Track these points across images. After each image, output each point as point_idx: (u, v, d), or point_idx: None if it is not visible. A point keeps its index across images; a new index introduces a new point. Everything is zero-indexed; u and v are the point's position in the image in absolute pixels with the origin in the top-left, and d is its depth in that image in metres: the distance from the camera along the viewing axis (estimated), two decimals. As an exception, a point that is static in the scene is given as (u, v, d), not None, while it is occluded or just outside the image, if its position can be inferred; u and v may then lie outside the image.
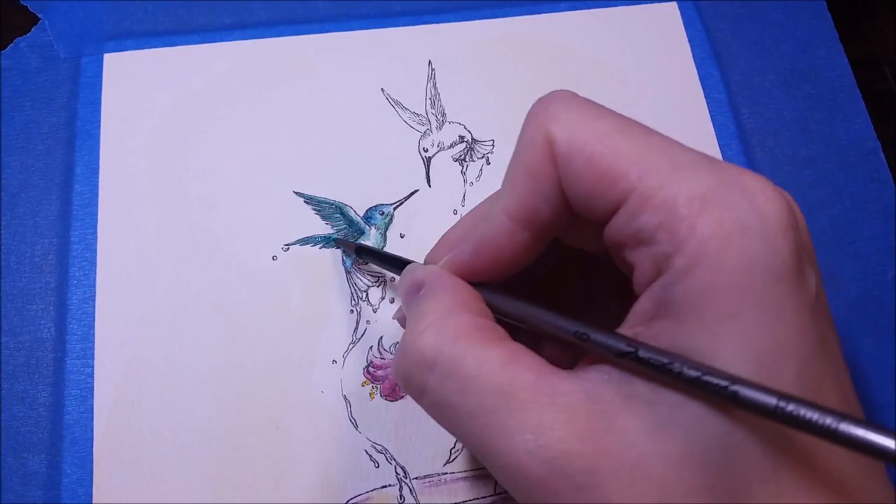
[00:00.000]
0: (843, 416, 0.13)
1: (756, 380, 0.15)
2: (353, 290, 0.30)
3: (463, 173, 0.32)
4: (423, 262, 0.23)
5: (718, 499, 0.15)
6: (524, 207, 0.19)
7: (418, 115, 0.33)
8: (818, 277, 0.17)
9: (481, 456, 0.17)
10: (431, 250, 0.23)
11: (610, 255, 0.19)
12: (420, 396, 0.18)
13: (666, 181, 0.16)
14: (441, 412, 0.18)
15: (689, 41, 0.35)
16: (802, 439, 0.15)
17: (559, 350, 0.22)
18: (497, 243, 0.19)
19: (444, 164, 0.32)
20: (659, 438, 0.15)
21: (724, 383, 0.14)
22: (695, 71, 0.34)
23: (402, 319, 0.22)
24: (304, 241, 0.30)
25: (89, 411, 0.27)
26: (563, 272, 0.24)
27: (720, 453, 0.15)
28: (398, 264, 0.24)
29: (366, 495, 0.27)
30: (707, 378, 0.14)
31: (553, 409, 0.16)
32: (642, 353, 0.16)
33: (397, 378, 0.19)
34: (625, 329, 0.17)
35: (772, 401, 0.14)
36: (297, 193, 0.31)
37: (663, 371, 0.15)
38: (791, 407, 0.14)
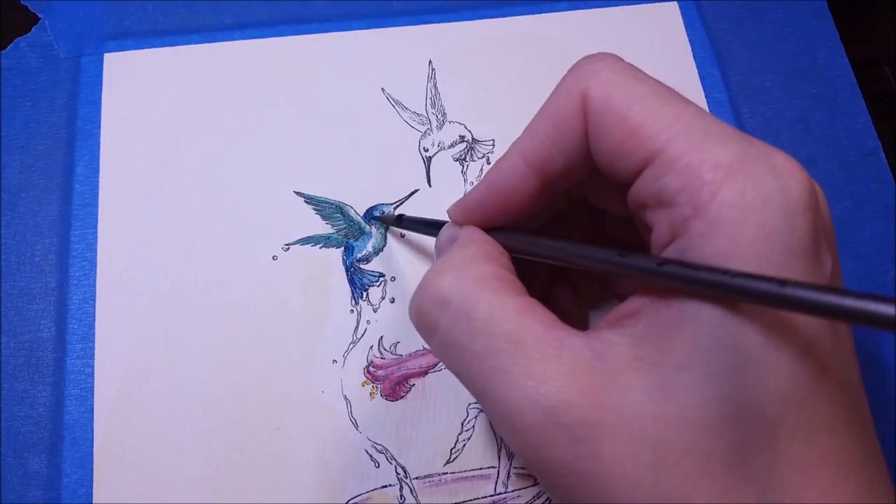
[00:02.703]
0: (847, 292, 0.13)
1: (760, 354, 0.15)
2: (353, 290, 0.30)
3: (463, 173, 0.32)
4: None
5: (712, 463, 0.15)
6: (540, 153, 0.19)
7: (419, 114, 0.33)
8: (835, 263, 0.17)
9: (482, 399, 0.18)
10: (451, 206, 0.23)
11: (632, 219, 0.19)
12: (431, 335, 0.19)
13: (694, 146, 0.16)
14: (448, 352, 0.18)
15: (690, 41, 0.35)
16: (803, 416, 0.15)
17: (574, 312, 0.22)
18: (508, 183, 0.20)
19: (444, 164, 0.32)
20: (659, 399, 0.15)
21: (771, 286, 0.14)
22: (695, 71, 0.34)
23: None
24: (304, 241, 0.30)
25: (89, 411, 0.27)
26: (579, 234, 0.24)
27: (717, 419, 0.15)
28: (437, 226, 0.25)
29: (366, 495, 0.27)
30: (751, 283, 0.14)
31: (557, 361, 0.16)
32: (678, 266, 0.15)
33: (411, 315, 0.20)
34: (639, 297, 0.17)
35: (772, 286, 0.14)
36: (297, 193, 0.31)
37: (706, 280, 0.15)
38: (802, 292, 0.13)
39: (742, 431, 0.15)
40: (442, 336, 0.18)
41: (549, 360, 0.16)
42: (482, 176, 0.22)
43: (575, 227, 0.25)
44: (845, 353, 0.17)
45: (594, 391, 0.16)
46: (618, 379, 0.16)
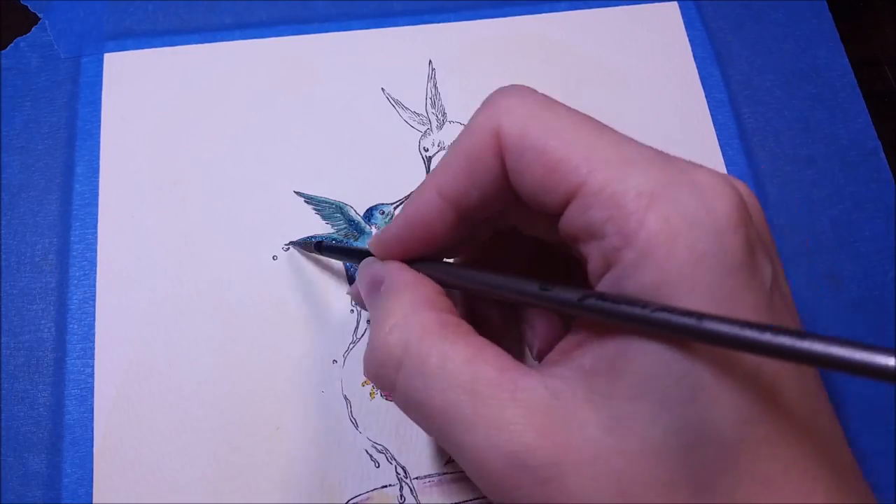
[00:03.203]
0: (808, 335, 0.13)
1: (709, 377, 0.15)
2: (353, 290, 0.30)
3: (463, 173, 0.32)
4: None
5: (678, 492, 0.15)
6: (454, 188, 0.19)
7: (419, 114, 0.33)
8: (776, 270, 0.17)
9: (449, 450, 0.18)
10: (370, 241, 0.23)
11: (565, 246, 0.19)
12: (390, 392, 0.19)
13: (615, 176, 0.16)
14: (410, 408, 0.19)
15: (690, 41, 0.35)
16: (762, 432, 0.15)
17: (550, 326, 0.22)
18: (425, 217, 0.20)
19: (444, 164, 0.32)
20: (617, 433, 0.15)
21: (690, 321, 0.14)
22: (695, 71, 0.34)
23: (356, 296, 0.23)
24: (304, 241, 0.30)
25: (89, 411, 0.27)
26: (517, 262, 0.24)
27: (677, 447, 0.15)
28: (357, 256, 0.24)
29: (366, 495, 0.27)
30: (671, 318, 0.14)
31: (513, 404, 0.16)
32: (599, 300, 0.16)
33: (368, 376, 0.20)
34: (583, 326, 0.17)
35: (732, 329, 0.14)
36: (297, 193, 0.31)
37: (627, 314, 0.15)
38: (748, 332, 0.13)
39: (703, 456, 0.15)
40: (401, 395, 0.18)
41: (505, 404, 0.16)
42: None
43: (512, 256, 0.25)
44: None
45: (553, 431, 0.16)
46: (575, 415, 0.16)
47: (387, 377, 0.19)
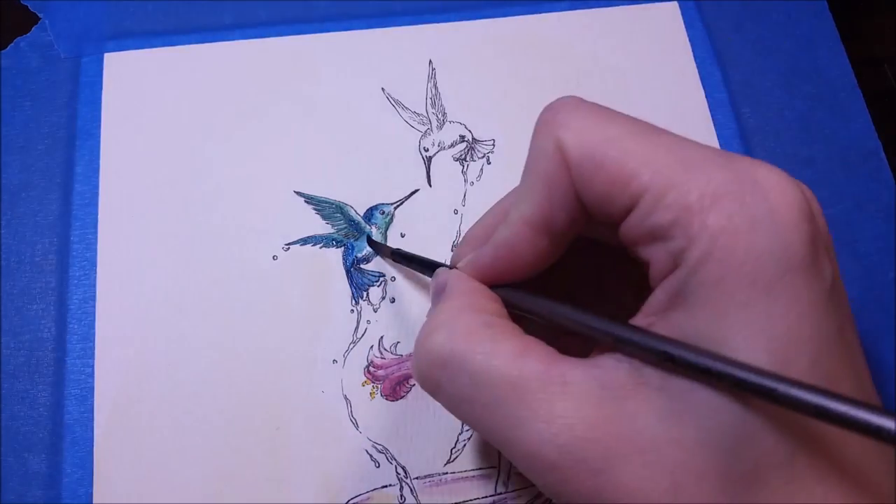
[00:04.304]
0: (855, 402, 0.13)
1: (768, 368, 0.15)
2: (353, 290, 0.30)
3: (463, 173, 0.32)
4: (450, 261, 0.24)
5: (731, 483, 0.15)
6: (542, 216, 0.19)
7: (419, 114, 0.33)
8: (835, 266, 0.17)
9: (499, 445, 0.18)
10: (457, 247, 0.23)
11: (624, 247, 0.19)
12: (436, 393, 0.19)
13: (677, 180, 0.16)
14: (457, 407, 0.19)
15: (690, 41, 0.35)
16: (818, 427, 0.15)
17: (573, 339, 0.22)
18: (516, 250, 0.20)
19: (444, 164, 0.32)
20: (670, 423, 0.16)
21: (767, 383, 0.14)
22: (695, 71, 0.34)
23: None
24: (304, 241, 0.30)
25: (89, 411, 0.27)
26: (577, 262, 0.24)
27: (733, 439, 0.15)
28: (430, 267, 0.25)
29: (366, 495, 0.27)
30: (748, 377, 0.14)
31: (563, 398, 0.17)
32: (677, 355, 0.16)
33: (415, 376, 0.20)
34: (639, 319, 0.18)
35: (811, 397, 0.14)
36: (297, 193, 0.31)
37: (703, 374, 0.15)
38: (815, 398, 0.14)
39: (758, 448, 0.15)
40: (447, 394, 0.19)
41: (554, 398, 0.17)
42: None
43: (574, 260, 0.25)
44: (854, 353, 0.17)
45: (604, 422, 0.16)
46: (625, 406, 0.16)
47: (431, 377, 0.19)
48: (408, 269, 0.30)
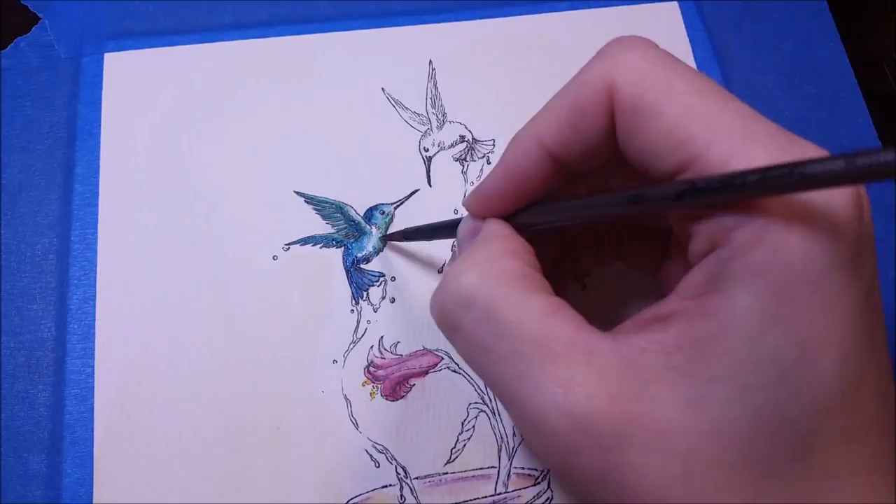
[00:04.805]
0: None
1: (797, 367, 0.14)
2: (353, 290, 0.30)
3: (464, 173, 0.32)
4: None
5: (742, 475, 0.15)
6: (556, 138, 0.18)
7: (419, 114, 0.33)
8: (875, 271, 0.16)
9: (506, 401, 0.17)
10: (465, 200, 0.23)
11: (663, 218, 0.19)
12: (453, 334, 0.18)
13: (736, 152, 0.15)
14: (472, 353, 0.18)
15: (690, 41, 0.35)
16: (837, 426, 0.15)
17: (563, 287, 0.22)
18: (523, 166, 0.19)
19: (444, 164, 0.32)
20: (690, 411, 0.15)
21: (786, 170, 0.13)
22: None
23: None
24: (304, 241, 0.30)
25: (89, 411, 0.27)
26: (605, 230, 0.24)
27: (750, 432, 0.15)
28: (452, 226, 0.24)
29: (366, 495, 0.27)
30: (770, 173, 0.14)
31: (586, 367, 0.16)
32: (699, 184, 0.15)
33: (432, 313, 0.19)
34: (673, 301, 0.17)
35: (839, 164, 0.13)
36: (297, 193, 0.31)
37: (727, 189, 0.14)
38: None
39: (775, 443, 0.15)
40: (465, 336, 0.18)
41: (577, 366, 0.16)
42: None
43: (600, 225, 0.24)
44: (881, 358, 0.16)
45: (623, 400, 0.15)
46: (647, 388, 0.16)
47: (453, 316, 0.18)
48: (408, 268, 0.30)
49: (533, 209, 0.20)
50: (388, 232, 0.30)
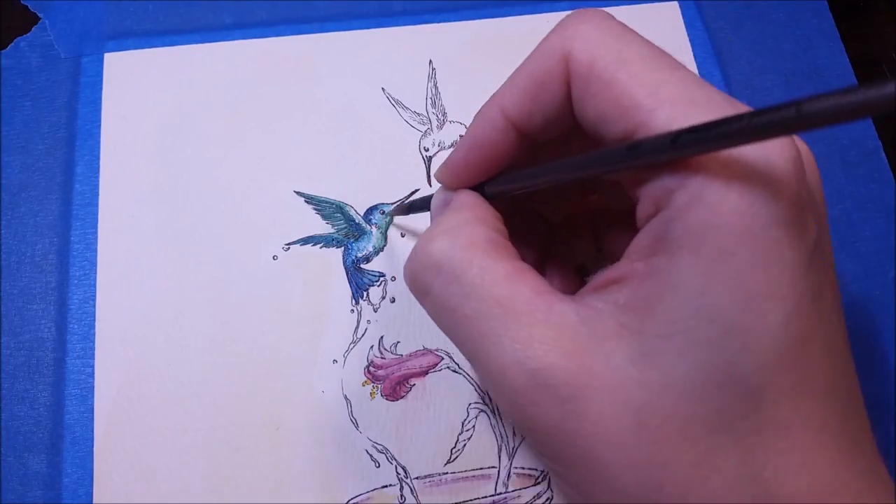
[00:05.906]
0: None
1: (741, 323, 0.15)
2: (353, 290, 0.30)
3: (463, 173, 0.32)
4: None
5: (694, 428, 0.15)
6: (518, 108, 0.19)
7: (419, 114, 0.33)
8: (823, 230, 0.17)
9: (471, 360, 0.18)
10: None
11: (619, 186, 0.19)
12: (424, 298, 0.19)
13: (678, 116, 0.16)
14: (441, 314, 0.19)
15: (690, 41, 0.35)
16: (786, 382, 0.15)
17: (564, 281, 0.23)
18: (489, 135, 0.20)
19: (444, 164, 0.32)
20: (641, 366, 0.16)
21: (788, 112, 0.13)
22: (695, 71, 0.34)
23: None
24: (304, 241, 0.30)
25: (89, 411, 0.27)
26: (567, 198, 0.25)
27: (700, 386, 0.15)
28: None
29: (366, 495, 0.27)
30: (764, 118, 0.13)
31: (545, 325, 0.17)
32: (644, 145, 0.16)
33: (406, 278, 0.20)
34: (624, 264, 0.17)
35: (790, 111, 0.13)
36: (297, 193, 0.31)
37: (719, 132, 0.14)
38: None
39: (725, 398, 0.15)
40: (434, 299, 0.19)
41: (536, 324, 0.17)
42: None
43: (564, 194, 0.25)
44: (830, 319, 0.17)
45: (579, 355, 0.16)
46: (602, 344, 0.16)
47: (424, 280, 0.19)
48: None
49: (501, 177, 0.21)
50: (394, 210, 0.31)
